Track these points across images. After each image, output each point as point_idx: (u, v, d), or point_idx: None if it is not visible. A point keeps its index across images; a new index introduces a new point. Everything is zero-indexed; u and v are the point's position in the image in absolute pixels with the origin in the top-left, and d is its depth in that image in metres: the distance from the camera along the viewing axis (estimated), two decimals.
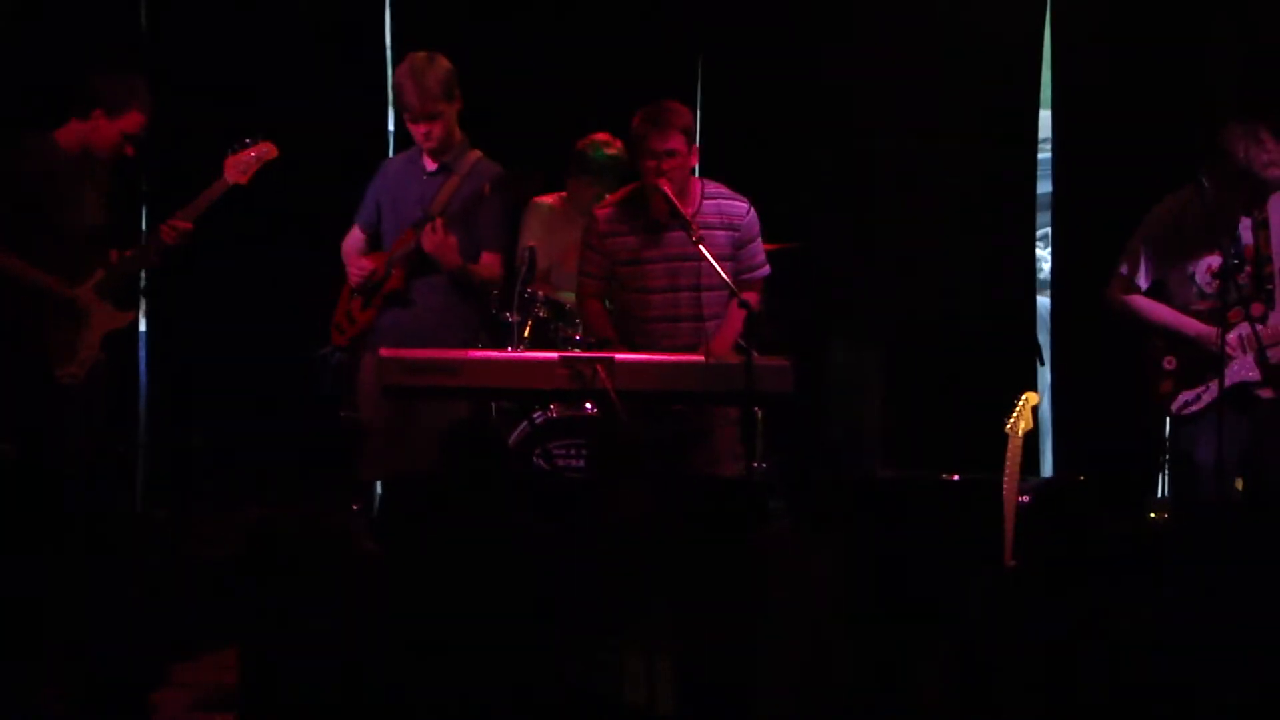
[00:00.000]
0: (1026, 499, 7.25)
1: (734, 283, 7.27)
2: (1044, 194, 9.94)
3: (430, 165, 7.96)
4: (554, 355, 7.28)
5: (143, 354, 9.79)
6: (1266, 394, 7.67)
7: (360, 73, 9.86)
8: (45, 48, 9.32)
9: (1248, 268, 7.64)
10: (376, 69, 9.89)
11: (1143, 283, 7.74)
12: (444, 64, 7.84)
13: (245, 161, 8.04)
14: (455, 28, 9.49)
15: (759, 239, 7.57)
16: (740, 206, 7.52)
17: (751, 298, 7.32)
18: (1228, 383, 7.50)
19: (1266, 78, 9.35)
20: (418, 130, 7.87)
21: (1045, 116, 9.97)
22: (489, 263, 7.95)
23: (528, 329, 8.39)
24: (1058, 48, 9.85)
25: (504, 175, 7.86)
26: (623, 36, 9.77)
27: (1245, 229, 7.67)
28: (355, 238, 8.12)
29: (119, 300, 7.99)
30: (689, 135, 7.38)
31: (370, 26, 9.90)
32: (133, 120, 7.83)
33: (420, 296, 7.91)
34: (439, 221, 7.77)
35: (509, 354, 7.82)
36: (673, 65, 9.72)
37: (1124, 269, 7.77)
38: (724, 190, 7.57)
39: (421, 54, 7.87)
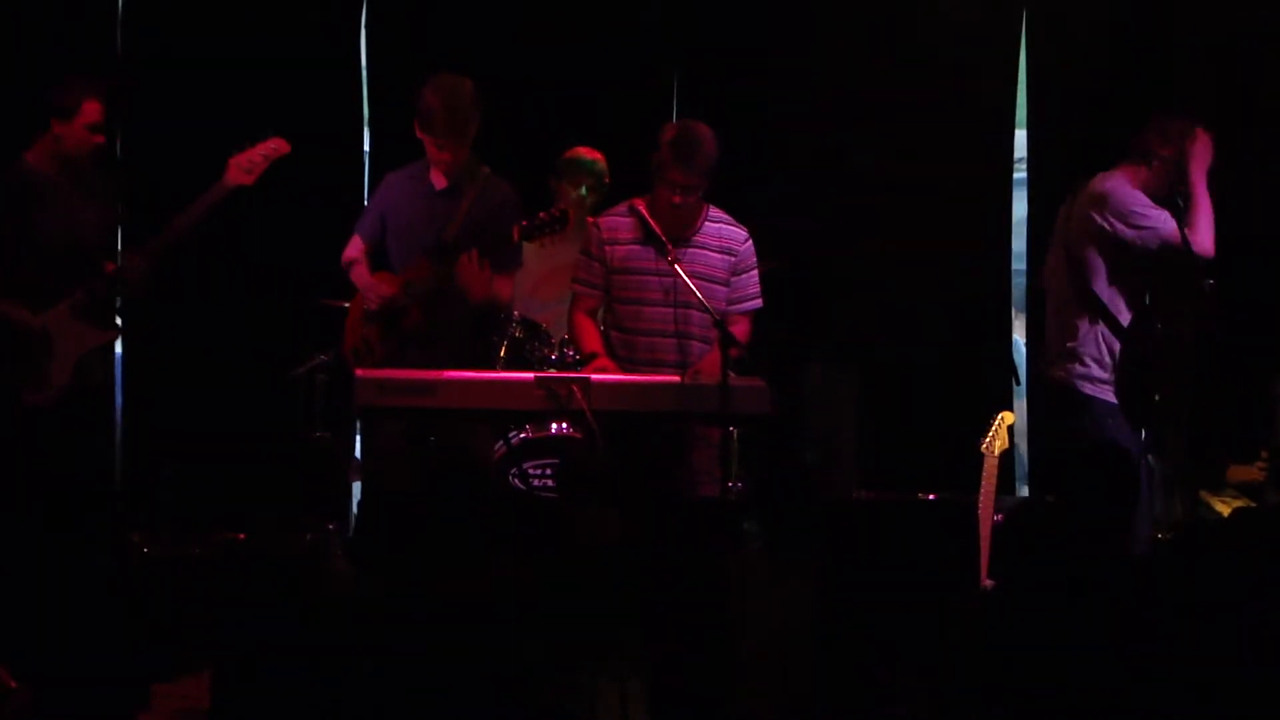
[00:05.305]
0: (1002, 518, 7.26)
1: (725, 309, 7.34)
2: (1020, 214, 9.95)
3: (440, 183, 7.76)
4: (530, 376, 7.28)
5: (119, 377, 9.73)
6: None
7: (336, 95, 9.81)
8: (19, 68, 9.29)
9: None
10: (353, 90, 9.86)
11: None
12: (470, 85, 7.65)
13: (251, 161, 7.82)
14: (431, 45, 9.47)
15: (756, 271, 7.62)
16: (740, 233, 7.58)
17: (741, 330, 7.38)
18: None
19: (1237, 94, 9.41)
20: (444, 154, 7.68)
21: (1021, 136, 9.98)
22: (501, 287, 7.76)
23: (504, 349, 8.39)
24: (1033, 68, 9.87)
25: (531, 222, 7.61)
26: (600, 52, 9.76)
27: None
28: (357, 248, 7.87)
29: (99, 319, 7.86)
30: (712, 172, 7.41)
31: (346, 45, 9.87)
32: (90, 111, 7.70)
33: (440, 335, 7.71)
34: (475, 253, 7.54)
35: (486, 374, 7.77)
36: (649, 82, 9.72)
37: None
38: (726, 217, 7.61)
39: (448, 76, 7.66)
